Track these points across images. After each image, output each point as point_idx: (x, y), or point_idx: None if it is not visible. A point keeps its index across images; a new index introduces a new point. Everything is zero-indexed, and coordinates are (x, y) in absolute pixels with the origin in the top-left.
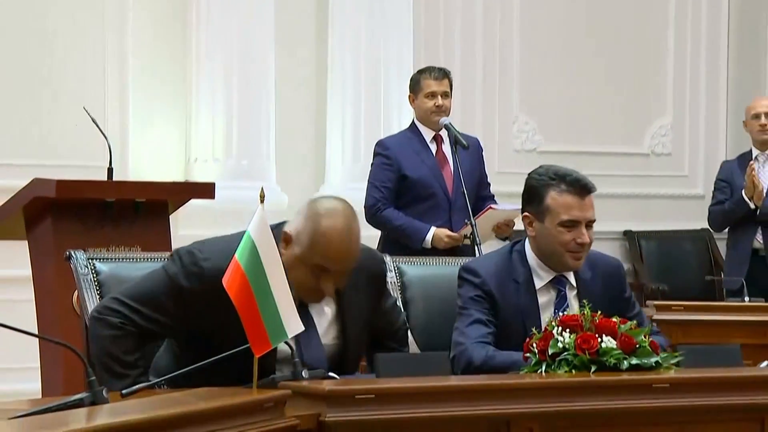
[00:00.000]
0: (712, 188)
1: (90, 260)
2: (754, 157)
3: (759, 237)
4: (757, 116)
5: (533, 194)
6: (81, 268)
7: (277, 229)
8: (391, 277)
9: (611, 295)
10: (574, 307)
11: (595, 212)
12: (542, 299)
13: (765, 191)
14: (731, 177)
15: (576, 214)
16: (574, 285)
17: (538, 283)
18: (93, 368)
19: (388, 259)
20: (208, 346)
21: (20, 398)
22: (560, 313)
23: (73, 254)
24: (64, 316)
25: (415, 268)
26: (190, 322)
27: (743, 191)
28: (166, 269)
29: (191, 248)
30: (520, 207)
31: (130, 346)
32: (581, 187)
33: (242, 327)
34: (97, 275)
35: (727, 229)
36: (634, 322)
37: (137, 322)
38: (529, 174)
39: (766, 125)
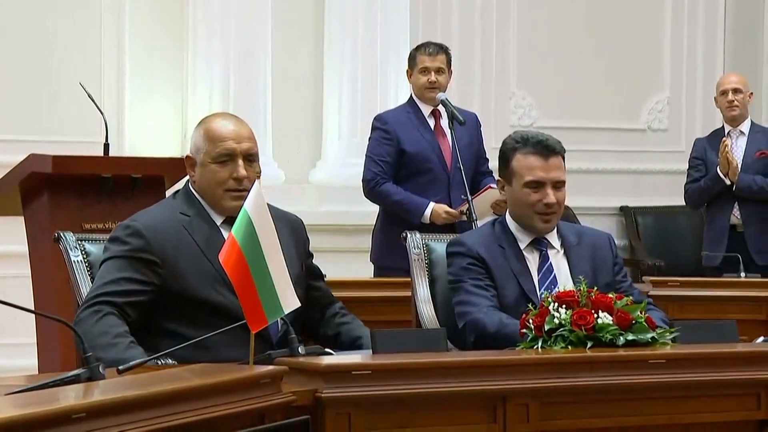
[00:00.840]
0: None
1: (80, 241)
2: (726, 133)
3: (736, 212)
4: (724, 93)
5: (503, 158)
6: (71, 250)
7: (185, 184)
8: (418, 253)
9: (601, 259)
10: (561, 268)
11: (563, 174)
12: (528, 258)
13: (739, 166)
14: (704, 154)
15: (540, 175)
16: (557, 247)
17: (521, 245)
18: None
19: (417, 236)
20: (187, 308)
21: (17, 374)
22: (549, 285)
23: (63, 236)
24: (61, 292)
25: (443, 246)
26: (157, 280)
27: (718, 168)
28: (108, 253)
29: (117, 226)
30: None
31: (114, 321)
32: (544, 148)
33: (205, 272)
34: (87, 256)
35: (705, 207)
36: (630, 297)
37: (112, 301)
38: (504, 139)
39: (733, 102)
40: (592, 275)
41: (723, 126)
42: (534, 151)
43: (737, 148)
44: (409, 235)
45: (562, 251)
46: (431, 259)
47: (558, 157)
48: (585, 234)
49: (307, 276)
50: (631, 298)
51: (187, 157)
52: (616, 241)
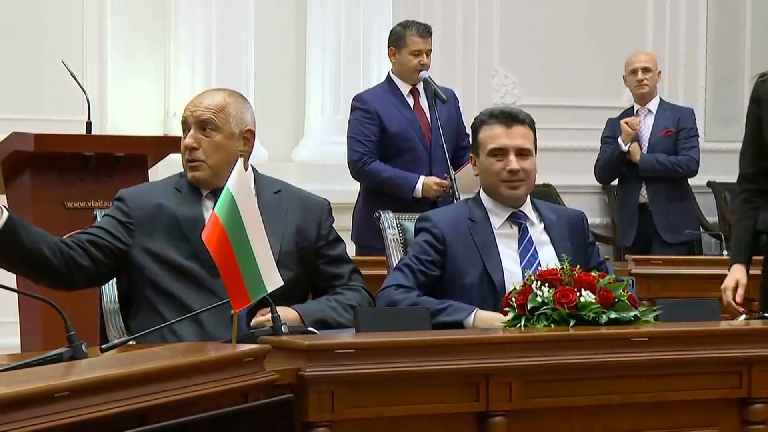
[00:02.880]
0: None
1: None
2: (635, 111)
3: (644, 192)
4: (634, 72)
5: (473, 134)
6: None
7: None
8: (393, 234)
9: (577, 239)
10: (542, 242)
11: (529, 143)
12: (503, 235)
13: (646, 145)
14: (615, 133)
15: (502, 142)
16: (535, 222)
17: (496, 222)
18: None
19: (391, 215)
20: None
21: None
22: (530, 259)
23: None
24: None
25: None
26: (127, 235)
27: (620, 138)
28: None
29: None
30: None
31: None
32: (506, 116)
33: (177, 242)
34: None
35: (617, 186)
36: (613, 276)
37: (76, 240)
38: None
39: (643, 80)
40: (573, 252)
41: (633, 106)
42: (497, 121)
43: (645, 126)
44: (382, 215)
45: (542, 226)
46: (407, 239)
47: (522, 126)
48: (561, 211)
49: (315, 258)
50: (613, 276)
51: (250, 130)
52: (598, 220)
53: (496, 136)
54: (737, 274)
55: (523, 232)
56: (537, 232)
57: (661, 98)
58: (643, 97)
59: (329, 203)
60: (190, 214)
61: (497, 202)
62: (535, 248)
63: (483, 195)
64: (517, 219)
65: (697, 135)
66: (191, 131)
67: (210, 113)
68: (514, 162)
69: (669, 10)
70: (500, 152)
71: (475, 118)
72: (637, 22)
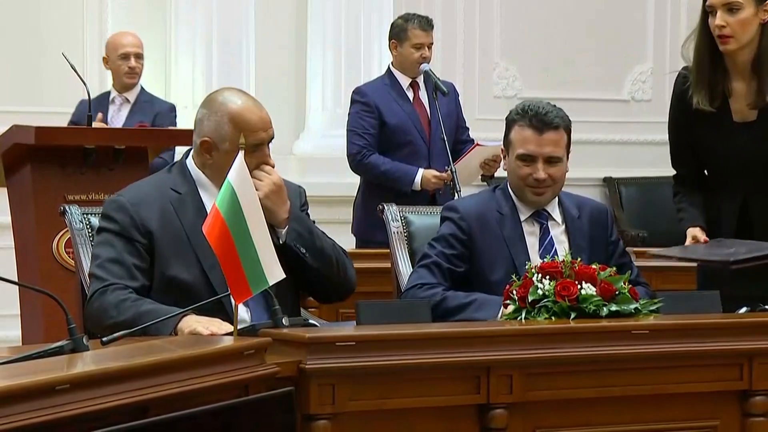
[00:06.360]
0: None
1: (85, 215)
2: (111, 98)
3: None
4: (126, 57)
5: (506, 129)
6: (76, 224)
7: (182, 158)
8: (397, 227)
9: (597, 236)
10: (562, 242)
11: (560, 150)
12: (528, 231)
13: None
14: (82, 117)
15: (531, 149)
16: (559, 221)
17: (522, 216)
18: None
19: (395, 208)
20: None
21: (0, 345)
22: (549, 256)
23: (68, 209)
24: (44, 264)
25: (422, 218)
26: (147, 251)
27: None
28: (101, 228)
29: (106, 201)
30: None
31: (122, 292)
32: (539, 122)
33: (184, 252)
34: (92, 230)
35: None
36: (614, 269)
37: (113, 278)
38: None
39: (136, 68)
40: (589, 251)
41: (109, 91)
42: (530, 124)
43: (120, 116)
44: (386, 208)
45: (564, 226)
46: (410, 232)
47: (555, 132)
48: (585, 205)
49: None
50: (614, 269)
51: (203, 141)
52: None
53: (526, 140)
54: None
55: (545, 232)
56: (559, 232)
57: (142, 87)
58: (128, 86)
59: (304, 189)
60: (194, 221)
61: (521, 200)
62: (555, 249)
63: (511, 189)
64: (539, 218)
65: None
66: (267, 150)
67: (272, 127)
68: (541, 171)
69: (670, 2)
70: (528, 158)
71: (509, 113)
72: (638, 15)
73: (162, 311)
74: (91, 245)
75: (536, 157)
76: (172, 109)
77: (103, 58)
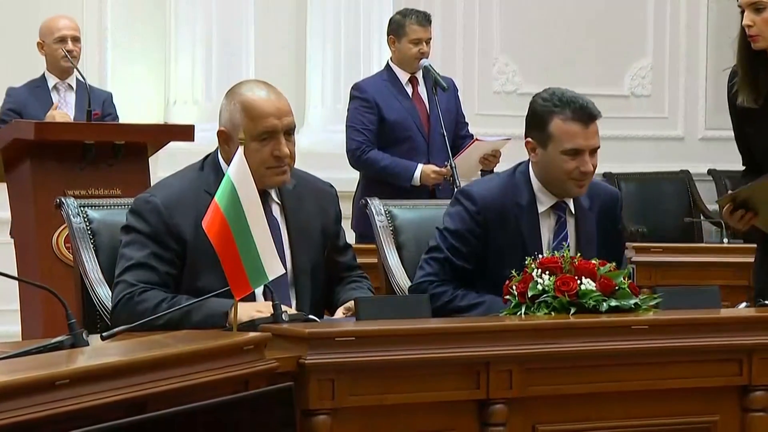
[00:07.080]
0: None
1: (82, 207)
2: (53, 85)
3: None
4: (62, 40)
5: (537, 120)
6: (73, 216)
7: (214, 153)
8: (381, 221)
9: (605, 226)
10: (572, 236)
11: (599, 139)
12: (543, 224)
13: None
14: (21, 105)
15: (580, 143)
16: (573, 212)
17: (540, 208)
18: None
19: (377, 202)
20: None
21: (0, 340)
22: (563, 244)
23: (64, 201)
24: (44, 258)
25: (407, 212)
26: (180, 256)
27: None
28: (132, 228)
29: (137, 198)
30: (507, 137)
31: (158, 294)
32: (586, 115)
33: (215, 261)
34: (89, 223)
35: None
36: (614, 264)
37: (147, 282)
38: (533, 97)
39: (73, 51)
40: (598, 244)
41: (44, 75)
42: (575, 117)
43: (68, 104)
44: (369, 202)
45: (574, 220)
46: (396, 226)
47: (596, 122)
48: (596, 194)
49: (331, 251)
50: (614, 264)
51: (220, 131)
52: None
53: (573, 134)
54: None
55: (561, 226)
56: (573, 223)
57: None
58: (67, 71)
59: (335, 189)
60: None
61: (547, 190)
62: (568, 244)
63: (533, 177)
64: (558, 210)
65: None
66: (282, 139)
67: (292, 117)
68: (588, 163)
69: (670, 4)
70: (576, 152)
71: (541, 104)
72: (638, 10)
73: (207, 305)
74: (90, 239)
75: (584, 151)
76: (111, 96)
77: (38, 43)
